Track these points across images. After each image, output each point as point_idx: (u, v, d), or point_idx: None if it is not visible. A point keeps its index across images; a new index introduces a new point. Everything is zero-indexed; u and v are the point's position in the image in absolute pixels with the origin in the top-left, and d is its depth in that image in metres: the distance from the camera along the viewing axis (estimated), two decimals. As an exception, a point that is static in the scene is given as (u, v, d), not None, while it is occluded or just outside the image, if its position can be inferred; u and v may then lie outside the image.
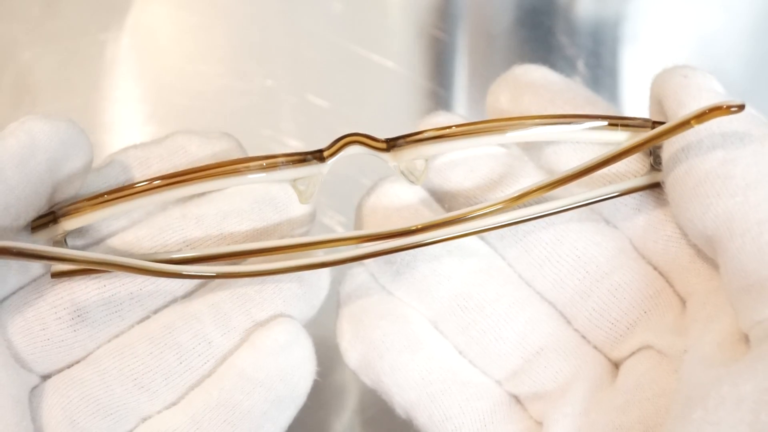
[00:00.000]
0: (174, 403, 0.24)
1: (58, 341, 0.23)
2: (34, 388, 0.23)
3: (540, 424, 0.24)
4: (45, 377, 0.24)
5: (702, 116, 0.21)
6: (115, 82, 0.41)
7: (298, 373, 0.24)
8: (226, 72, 0.41)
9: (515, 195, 0.23)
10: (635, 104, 0.41)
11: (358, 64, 0.41)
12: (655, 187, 0.24)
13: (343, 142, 0.24)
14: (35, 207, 0.23)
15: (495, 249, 0.25)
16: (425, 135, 0.24)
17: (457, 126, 0.24)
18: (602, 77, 0.41)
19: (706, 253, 0.23)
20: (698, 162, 0.22)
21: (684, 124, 0.22)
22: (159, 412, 0.24)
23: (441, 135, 0.24)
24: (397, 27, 0.43)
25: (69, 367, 0.24)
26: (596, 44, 0.42)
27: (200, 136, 0.25)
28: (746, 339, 0.21)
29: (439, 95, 0.41)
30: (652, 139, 0.22)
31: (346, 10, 0.42)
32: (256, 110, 0.39)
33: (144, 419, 0.24)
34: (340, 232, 0.24)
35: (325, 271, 0.25)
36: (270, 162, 0.23)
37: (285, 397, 0.23)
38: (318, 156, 0.24)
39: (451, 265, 0.25)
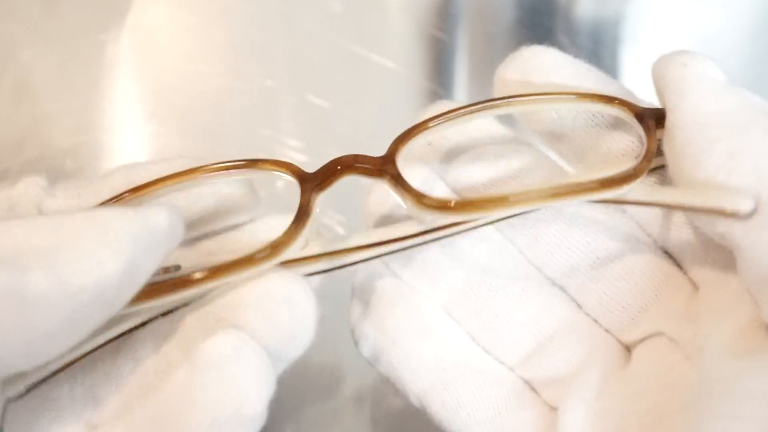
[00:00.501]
0: (120, 415, 0.22)
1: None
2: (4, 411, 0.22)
3: (554, 409, 0.24)
4: (11, 400, 0.23)
5: None
6: (115, 82, 0.41)
7: (242, 394, 0.20)
8: (226, 72, 0.41)
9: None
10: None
11: (358, 64, 0.41)
12: (660, 168, 0.24)
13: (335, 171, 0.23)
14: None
15: (505, 236, 0.25)
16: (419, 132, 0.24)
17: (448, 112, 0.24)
18: (602, 77, 0.41)
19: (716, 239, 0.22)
20: (706, 157, 0.21)
21: None
22: (106, 423, 0.22)
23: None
24: (397, 27, 0.43)
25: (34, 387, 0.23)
26: (596, 44, 0.42)
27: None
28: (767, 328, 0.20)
29: (439, 95, 0.41)
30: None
31: (346, 10, 0.42)
32: (256, 110, 0.39)
33: (94, 427, 0.22)
34: (340, 239, 0.23)
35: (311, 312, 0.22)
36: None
37: (225, 422, 0.20)
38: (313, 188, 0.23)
39: (463, 250, 0.25)
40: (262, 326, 0.21)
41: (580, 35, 0.42)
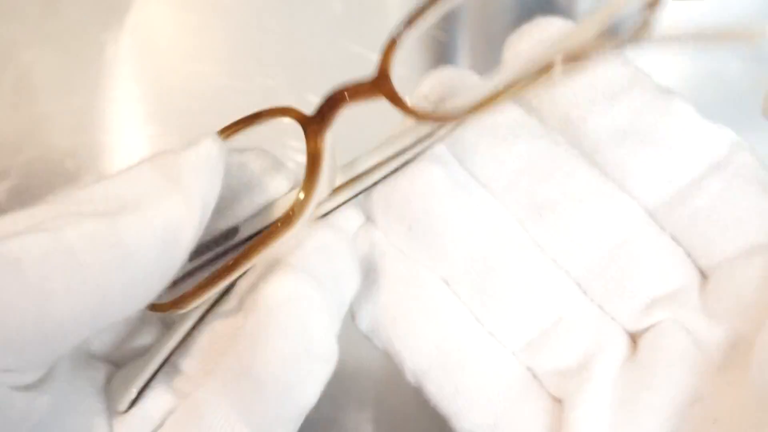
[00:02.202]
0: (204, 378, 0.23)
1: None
2: (107, 377, 0.23)
3: (558, 401, 0.23)
4: (108, 358, 0.23)
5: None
6: (115, 82, 0.41)
7: (309, 330, 0.21)
8: (226, 72, 0.41)
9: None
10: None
11: (358, 64, 0.41)
12: None
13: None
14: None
15: (511, 212, 0.24)
16: None
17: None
18: (602, 77, 0.41)
19: None
20: None
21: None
22: (193, 389, 0.22)
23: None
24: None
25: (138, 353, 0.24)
26: (596, 44, 0.42)
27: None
28: None
29: (439, 95, 0.41)
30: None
31: (346, 10, 0.42)
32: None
33: (184, 396, 0.22)
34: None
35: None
36: None
37: (296, 360, 0.21)
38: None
39: (467, 225, 0.24)
40: (314, 266, 0.22)
41: (580, 35, 0.42)
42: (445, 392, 0.23)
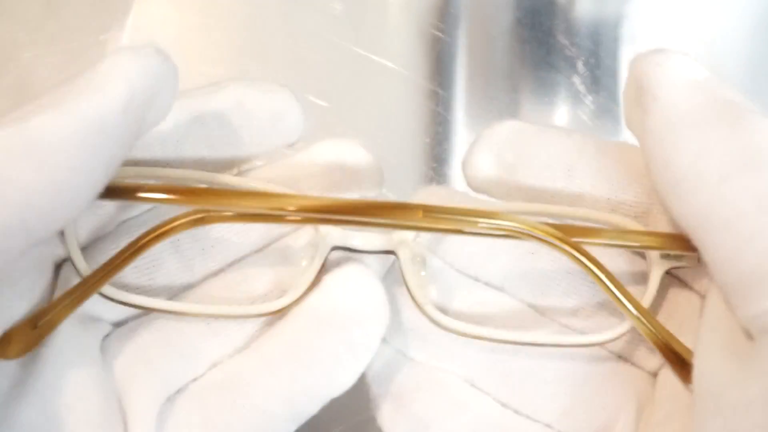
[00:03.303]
0: (245, 347, 0.23)
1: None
2: (107, 336, 0.23)
3: None
4: (117, 324, 0.24)
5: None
6: (115, 82, 0.40)
7: (372, 318, 0.23)
8: (226, 72, 0.41)
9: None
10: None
11: (358, 64, 0.41)
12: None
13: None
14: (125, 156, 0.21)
15: (513, 296, 0.25)
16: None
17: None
18: (602, 77, 0.41)
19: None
20: (674, 158, 0.21)
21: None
22: (230, 356, 0.23)
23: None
24: (397, 27, 0.43)
25: (144, 313, 0.24)
26: (596, 44, 0.42)
27: (257, 90, 0.24)
28: (749, 334, 0.20)
29: (439, 95, 0.41)
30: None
31: (346, 10, 0.42)
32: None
33: (215, 364, 0.23)
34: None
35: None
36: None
37: (358, 343, 0.23)
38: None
39: (467, 291, 0.25)
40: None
41: (580, 35, 0.42)
42: None
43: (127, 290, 0.23)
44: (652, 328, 0.22)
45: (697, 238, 0.21)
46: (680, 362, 0.22)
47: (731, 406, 0.19)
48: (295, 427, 0.23)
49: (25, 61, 0.40)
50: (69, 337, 0.22)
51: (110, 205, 0.24)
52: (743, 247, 0.20)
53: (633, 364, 0.24)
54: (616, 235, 0.23)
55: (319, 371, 0.22)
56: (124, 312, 0.24)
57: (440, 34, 0.42)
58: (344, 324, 0.23)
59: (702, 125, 0.21)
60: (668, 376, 0.23)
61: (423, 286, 0.24)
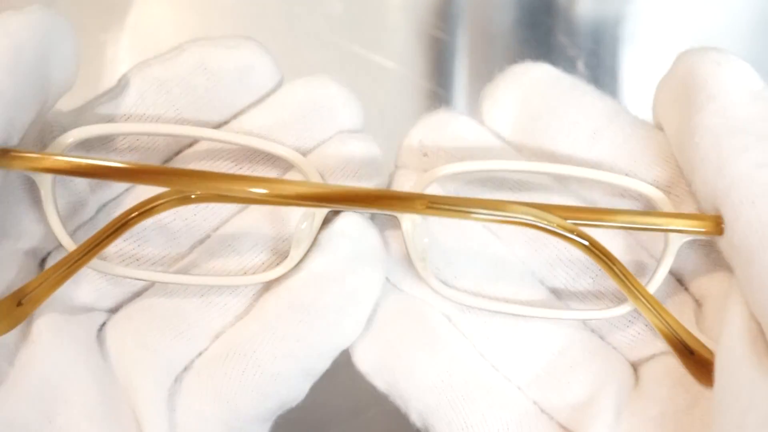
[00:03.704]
0: (245, 313, 0.23)
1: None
2: (103, 324, 0.23)
3: None
4: (112, 311, 0.24)
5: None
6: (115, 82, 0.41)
7: (369, 264, 0.23)
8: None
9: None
10: (635, 104, 0.41)
11: (358, 64, 0.41)
12: None
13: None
14: (31, 117, 0.21)
15: (506, 246, 0.24)
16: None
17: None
18: (602, 77, 0.41)
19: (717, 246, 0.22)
20: (731, 163, 0.21)
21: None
22: (232, 325, 0.23)
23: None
24: (397, 27, 0.43)
25: (137, 296, 0.24)
26: (596, 44, 0.42)
27: (218, 47, 0.23)
28: None
29: (439, 95, 0.41)
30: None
31: (346, 10, 0.42)
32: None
33: (217, 336, 0.23)
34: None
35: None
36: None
37: (359, 290, 0.23)
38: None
39: (466, 262, 0.24)
40: None
41: (580, 35, 0.42)
42: (454, 428, 0.23)
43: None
44: (661, 318, 0.22)
45: (744, 246, 0.20)
46: (689, 353, 0.22)
47: (758, 424, 0.19)
48: (309, 384, 0.23)
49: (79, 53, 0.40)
50: (62, 331, 0.22)
51: (82, 181, 0.23)
52: None
53: (616, 349, 0.24)
54: (628, 217, 0.22)
55: (324, 326, 0.22)
56: (117, 297, 0.23)
57: (440, 34, 0.42)
58: (343, 276, 0.22)
59: (763, 135, 0.21)
60: (661, 373, 0.23)
61: (424, 258, 0.23)
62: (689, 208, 0.23)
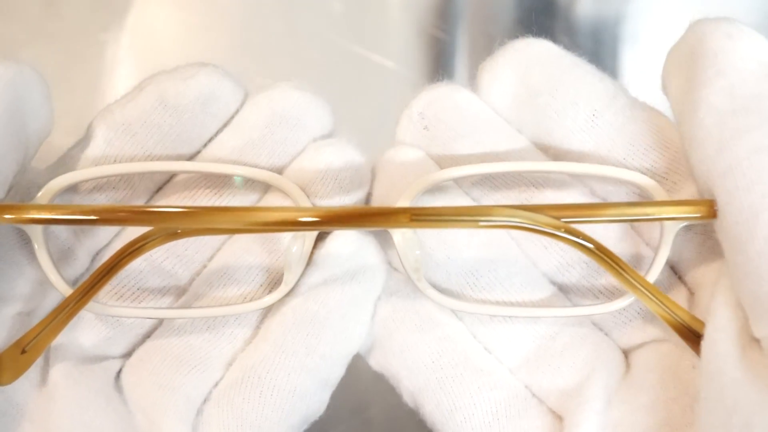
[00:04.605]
0: (252, 338, 0.23)
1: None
2: (119, 371, 0.24)
3: (558, 417, 0.23)
4: (126, 356, 0.24)
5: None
6: (115, 82, 0.40)
7: (369, 269, 0.23)
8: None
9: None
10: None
11: (358, 64, 0.41)
12: None
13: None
14: (14, 169, 0.21)
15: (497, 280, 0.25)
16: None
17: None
18: (602, 77, 0.41)
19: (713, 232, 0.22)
20: (732, 145, 0.20)
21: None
22: (242, 350, 0.23)
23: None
24: (397, 27, 0.43)
25: (147, 338, 0.24)
26: (596, 44, 0.42)
27: (175, 80, 0.23)
28: (758, 341, 0.20)
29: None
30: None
31: (346, 10, 0.42)
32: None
33: (229, 364, 0.23)
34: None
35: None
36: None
37: (359, 295, 0.23)
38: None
39: (460, 242, 0.24)
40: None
41: (580, 35, 0.42)
42: (443, 408, 0.23)
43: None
44: (664, 307, 0.22)
45: (731, 238, 0.20)
46: (696, 338, 0.22)
47: (742, 427, 0.19)
48: (328, 394, 0.23)
49: (25, 60, 0.40)
50: (78, 384, 0.22)
51: (64, 230, 0.23)
52: None
53: (607, 335, 0.24)
54: (620, 210, 0.22)
55: (330, 335, 0.22)
56: (128, 342, 0.24)
57: (440, 34, 0.42)
58: (342, 285, 0.23)
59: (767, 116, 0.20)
60: (652, 361, 0.23)
61: (417, 269, 0.23)
62: (688, 191, 0.23)
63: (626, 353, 0.24)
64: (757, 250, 0.19)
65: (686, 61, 0.22)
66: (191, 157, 0.24)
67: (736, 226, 0.20)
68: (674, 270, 0.24)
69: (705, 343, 0.21)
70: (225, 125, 0.24)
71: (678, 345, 0.23)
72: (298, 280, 0.23)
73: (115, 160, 0.23)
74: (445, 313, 0.24)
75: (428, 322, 0.23)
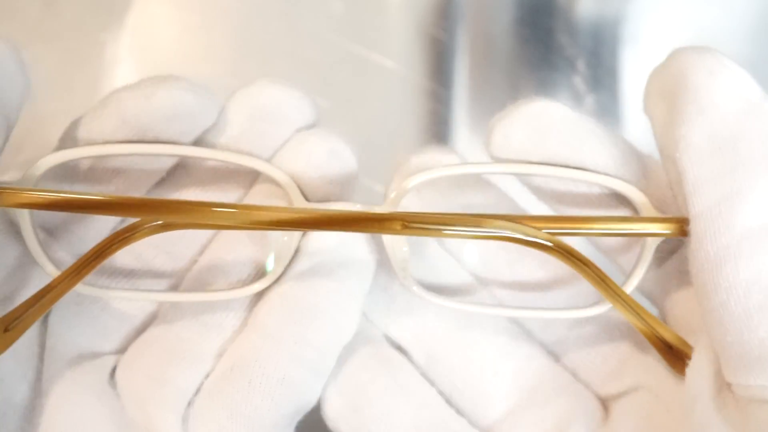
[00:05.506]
0: (242, 328, 0.23)
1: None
2: (114, 368, 0.24)
3: None
4: (120, 352, 0.24)
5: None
6: (115, 82, 0.40)
7: (357, 258, 0.23)
8: (226, 72, 0.41)
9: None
10: (635, 104, 0.41)
11: (358, 64, 0.41)
12: None
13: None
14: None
15: (482, 281, 0.25)
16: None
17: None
18: (602, 77, 0.41)
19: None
20: (705, 190, 0.20)
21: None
22: (232, 341, 0.23)
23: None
24: (397, 27, 0.43)
25: (141, 332, 0.24)
26: (596, 44, 0.42)
27: (136, 95, 0.22)
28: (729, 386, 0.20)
29: (439, 95, 0.41)
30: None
31: (346, 10, 0.42)
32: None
33: (220, 354, 0.23)
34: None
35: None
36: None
37: (349, 284, 0.23)
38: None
39: (437, 306, 0.24)
40: None
41: (580, 35, 0.42)
42: None
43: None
44: (638, 316, 0.22)
45: (700, 280, 0.20)
46: (668, 348, 0.22)
47: None
48: (320, 383, 0.23)
49: (25, 60, 0.40)
50: (74, 383, 0.23)
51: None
52: (745, 317, 0.19)
53: (586, 385, 0.24)
54: (605, 223, 0.22)
55: (319, 324, 0.22)
56: (122, 338, 0.24)
57: (440, 34, 0.42)
58: (330, 273, 0.23)
59: (745, 156, 0.20)
60: (629, 411, 0.23)
61: (405, 267, 0.23)
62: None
63: (606, 402, 0.24)
64: (720, 302, 0.19)
65: (669, 91, 0.21)
66: (169, 169, 0.24)
67: (701, 274, 0.20)
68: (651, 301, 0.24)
69: (686, 383, 0.21)
70: (203, 134, 0.23)
71: (651, 391, 0.23)
72: (286, 267, 0.23)
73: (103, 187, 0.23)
74: (419, 379, 0.24)
75: (406, 388, 0.24)
